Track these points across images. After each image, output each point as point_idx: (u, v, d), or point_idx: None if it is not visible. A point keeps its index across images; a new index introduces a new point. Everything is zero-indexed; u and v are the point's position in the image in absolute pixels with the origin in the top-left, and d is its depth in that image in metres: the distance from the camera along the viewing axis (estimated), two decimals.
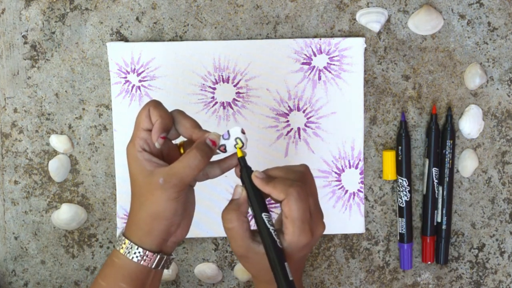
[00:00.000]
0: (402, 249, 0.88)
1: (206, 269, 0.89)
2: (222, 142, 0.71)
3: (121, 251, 0.70)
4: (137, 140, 0.70)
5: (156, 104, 0.71)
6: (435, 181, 0.87)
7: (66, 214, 0.87)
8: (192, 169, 0.69)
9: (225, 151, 0.71)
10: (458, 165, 0.89)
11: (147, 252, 0.70)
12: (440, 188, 0.87)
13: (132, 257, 0.70)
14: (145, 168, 0.69)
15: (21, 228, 0.88)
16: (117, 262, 0.70)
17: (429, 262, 0.88)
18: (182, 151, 0.73)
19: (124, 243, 0.70)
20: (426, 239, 0.88)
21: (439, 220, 0.88)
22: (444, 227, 0.88)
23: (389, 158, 0.87)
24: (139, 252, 0.70)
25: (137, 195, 0.70)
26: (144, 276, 0.71)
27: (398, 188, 0.87)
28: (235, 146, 0.71)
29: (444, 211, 0.88)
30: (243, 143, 0.71)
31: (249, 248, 0.70)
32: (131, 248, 0.70)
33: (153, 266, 0.70)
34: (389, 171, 0.88)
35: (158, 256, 0.70)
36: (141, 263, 0.70)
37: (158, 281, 0.73)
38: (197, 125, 0.72)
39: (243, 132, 0.71)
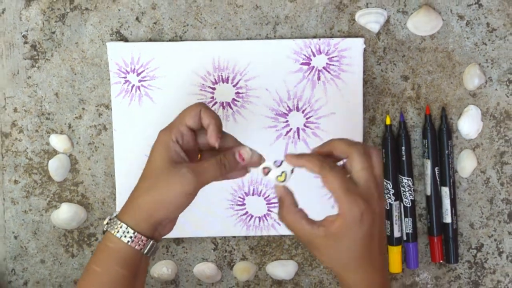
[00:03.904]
0: (408, 249, 0.88)
1: (205, 268, 0.89)
2: (271, 166, 0.73)
3: (117, 234, 0.71)
4: (175, 130, 0.72)
5: (208, 107, 0.73)
6: (437, 180, 0.88)
7: (65, 214, 0.87)
8: (214, 172, 0.71)
9: (266, 175, 0.73)
10: (456, 166, 0.89)
11: (142, 237, 0.71)
12: (447, 189, 0.88)
13: (128, 241, 0.71)
14: (172, 156, 0.71)
15: (21, 227, 0.89)
16: (112, 247, 0.71)
17: (440, 261, 0.89)
18: (200, 156, 0.75)
19: (121, 227, 0.71)
20: (434, 239, 0.88)
21: (448, 220, 0.88)
22: (454, 226, 0.88)
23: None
24: (134, 236, 0.71)
25: (148, 177, 0.72)
26: (137, 261, 0.72)
27: (403, 188, 0.87)
28: (277, 177, 0.73)
29: (453, 212, 0.88)
30: (285, 180, 0.73)
31: (311, 233, 0.70)
32: (127, 232, 0.71)
33: (145, 252, 0.72)
34: None
35: (151, 242, 0.72)
36: (136, 247, 0.71)
37: (146, 270, 0.74)
38: (236, 141, 0.75)
39: (292, 171, 0.73)
